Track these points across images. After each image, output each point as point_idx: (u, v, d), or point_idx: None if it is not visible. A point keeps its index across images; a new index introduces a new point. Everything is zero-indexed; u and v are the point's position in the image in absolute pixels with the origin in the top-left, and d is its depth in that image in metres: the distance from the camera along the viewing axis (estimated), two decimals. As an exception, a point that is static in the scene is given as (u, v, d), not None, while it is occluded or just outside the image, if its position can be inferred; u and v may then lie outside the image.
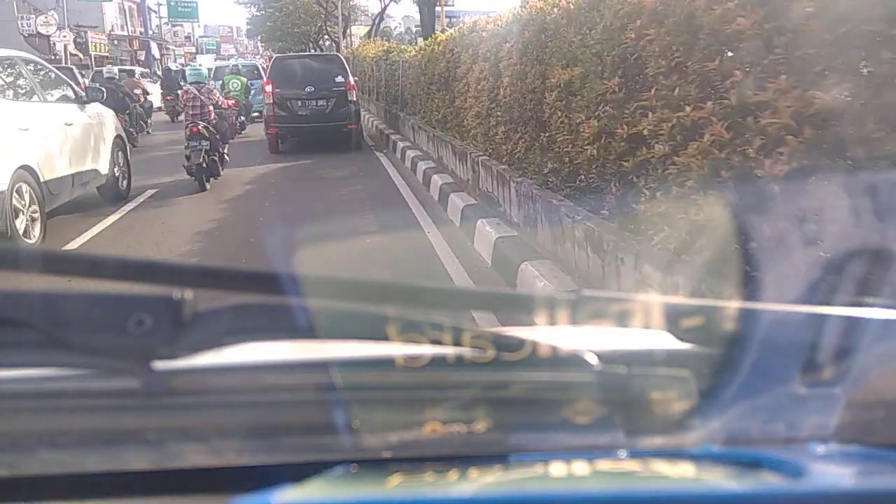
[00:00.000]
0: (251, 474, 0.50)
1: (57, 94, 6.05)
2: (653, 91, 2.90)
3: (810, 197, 2.00)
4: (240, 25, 53.29)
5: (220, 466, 0.51)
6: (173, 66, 22.71)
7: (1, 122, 4.87)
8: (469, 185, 6.21)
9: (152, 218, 6.03)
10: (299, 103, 9.98)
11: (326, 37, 28.87)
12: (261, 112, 12.45)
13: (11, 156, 4.84)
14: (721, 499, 0.46)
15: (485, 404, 0.55)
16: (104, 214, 6.08)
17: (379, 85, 13.92)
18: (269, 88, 10.05)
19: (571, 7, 4.07)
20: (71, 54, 26.84)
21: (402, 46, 14.10)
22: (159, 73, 22.61)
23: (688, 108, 2.59)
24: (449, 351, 0.53)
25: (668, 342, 0.56)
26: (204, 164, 7.06)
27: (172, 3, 40.94)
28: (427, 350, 0.53)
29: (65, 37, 26.24)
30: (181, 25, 49.40)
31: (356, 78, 11.24)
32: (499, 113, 5.53)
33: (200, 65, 12.20)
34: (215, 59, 38.04)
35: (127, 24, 37.65)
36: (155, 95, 17.15)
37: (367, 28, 28.82)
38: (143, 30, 39.24)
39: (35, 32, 25.48)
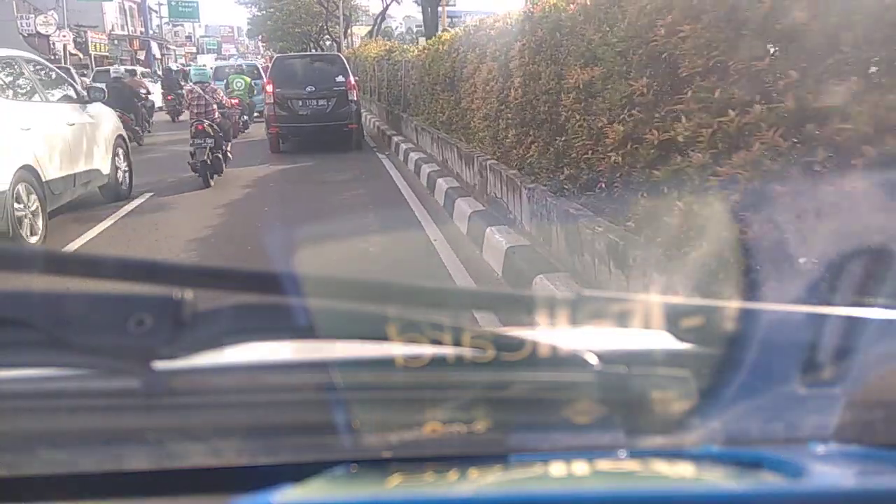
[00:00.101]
0: (251, 474, 0.50)
1: (58, 93, 6.05)
2: (689, 93, 2.63)
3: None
4: (241, 25, 53.32)
5: (220, 466, 0.51)
6: (174, 66, 22.74)
7: (2, 122, 4.88)
8: (476, 189, 5.92)
9: (148, 223, 5.81)
10: (300, 103, 9.99)
11: (327, 37, 28.87)
12: (261, 112, 12.53)
13: (13, 156, 4.84)
14: (721, 499, 0.46)
15: (485, 404, 0.55)
16: (98, 220, 5.88)
17: (381, 85, 13.77)
18: (269, 88, 10.06)
19: (589, 3, 3.84)
20: (71, 54, 26.80)
21: (405, 46, 14.01)
22: (160, 72, 22.62)
23: (731, 113, 2.33)
24: (449, 351, 0.53)
25: (668, 342, 0.56)
26: (208, 161, 7.31)
27: (173, 3, 40.97)
28: (427, 350, 0.53)
29: (64, 36, 26.17)
30: (182, 25, 49.42)
31: (357, 78, 11.24)
32: (509, 115, 5.27)
33: (205, 65, 12.30)
34: (216, 59, 38.07)
35: (127, 24, 37.66)
36: (156, 95, 17.16)
37: (369, 28, 28.83)
38: (143, 29, 39.26)
39: (34, 32, 25.39)
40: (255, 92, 13.83)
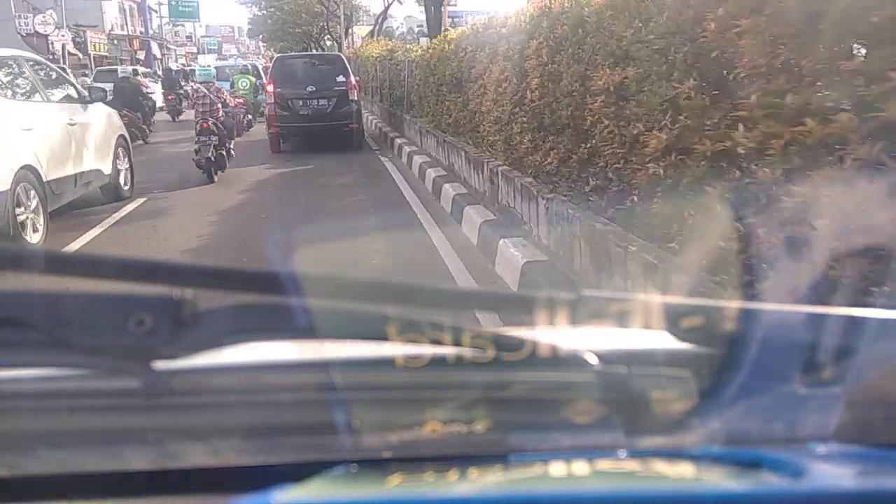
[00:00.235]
0: (251, 474, 0.50)
1: (60, 93, 6.06)
2: (752, 97, 2.26)
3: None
4: (241, 25, 53.36)
5: (220, 466, 0.51)
6: (174, 66, 22.80)
7: (3, 122, 4.88)
8: (486, 197, 5.57)
9: (145, 229, 5.66)
10: (301, 103, 9.99)
11: (328, 37, 28.87)
12: (262, 112, 12.65)
13: (14, 156, 4.84)
14: (721, 499, 0.46)
15: (485, 404, 0.55)
16: (90, 225, 5.71)
17: (382, 86, 13.52)
18: (270, 88, 10.07)
19: (618, -5, 3.44)
20: (70, 54, 26.74)
21: (408, 46, 13.93)
22: (160, 73, 22.67)
23: (810, 122, 1.99)
24: (449, 351, 0.53)
25: (668, 342, 0.56)
26: (212, 158, 7.60)
27: (173, 3, 40.96)
28: (427, 350, 0.53)
29: (63, 36, 26.07)
30: (182, 25, 49.43)
31: (358, 78, 11.24)
32: (524, 119, 4.86)
33: (209, 65, 12.44)
34: (217, 59, 38.09)
35: (127, 24, 37.67)
36: (156, 95, 17.21)
37: (370, 28, 28.82)
38: (143, 29, 39.27)
39: (33, 32, 25.29)
40: (260, 91, 13.90)
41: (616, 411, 0.54)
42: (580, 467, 0.49)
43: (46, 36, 25.52)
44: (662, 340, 0.56)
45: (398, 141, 9.96)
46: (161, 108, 17.07)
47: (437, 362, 0.54)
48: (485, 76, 6.00)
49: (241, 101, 12.31)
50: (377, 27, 25.42)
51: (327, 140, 10.10)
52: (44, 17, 25.51)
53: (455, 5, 27.04)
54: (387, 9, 24.96)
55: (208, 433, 0.53)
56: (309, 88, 10.02)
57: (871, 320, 0.56)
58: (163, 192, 7.20)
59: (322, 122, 10.01)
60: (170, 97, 16.53)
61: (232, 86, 13.19)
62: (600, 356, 0.55)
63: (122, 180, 6.87)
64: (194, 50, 54.45)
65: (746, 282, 2.16)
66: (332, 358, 0.57)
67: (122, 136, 7.05)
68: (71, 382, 0.55)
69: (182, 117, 16.40)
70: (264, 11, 30.60)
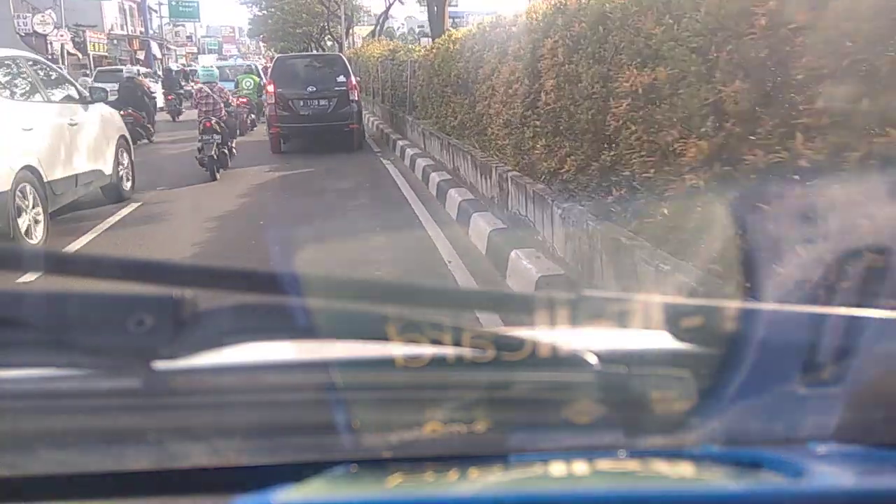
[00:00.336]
0: (251, 474, 0.50)
1: (60, 93, 6.06)
2: (819, 103, 1.99)
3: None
4: (242, 26, 53.40)
5: (220, 466, 0.51)
6: (174, 67, 22.85)
7: (4, 123, 4.88)
8: (495, 203, 5.31)
9: (136, 235, 5.49)
10: (301, 103, 9.99)
11: (329, 37, 28.88)
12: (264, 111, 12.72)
13: (14, 156, 4.85)
14: (721, 499, 0.46)
15: (485, 404, 0.55)
16: (83, 231, 5.54)
17: (384, 86, 13.36)
18: (271, 88, 10.07)
19: (645, -11, 3.13)
20: (69, 53, 26.69)
21: (410, 46, 13.87)
22: (160, 73, 22.73)
23: (894, 132, 1.78)
24: (449, 351, 0.53)
25: (668, 342, 0.56)
26: (215, 156, 7.75)
27: (173, 3, 41.01)
28: (427, 350, 0.53)
29: (62, 36, 25.98)
30: (183, 25, 49.48)
31: (358, 78, 11.24)
32: (537, 122, 4.56)
33: (212, 66, 12.59)
34: (217, 60, 38.12)
35: (127, 24, 37.67)
36: (157, 95, 17.25)
37: (371, 28, 28.83)
38: (143, 29, 39.28)
39: (31, 31, 25.18)
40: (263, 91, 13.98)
41: (616, 411, 0.54)
42: (580, 467, 0.49)
43: (45, 36, 25.43)
44: (662, 340, 0.56)
45: (400, 143, 9.77)
46: (161, 109, 17.11)
47: (437, 362, 0.54)
48: (493, 77, 5.72)
49: (244, 100, 12.48)
50: (378, 27, 25.41)
51: (328, 140, 10.10)
52: (42, 16, 25.41)
53: (456, 5, 27.04)
54: (388, 8, 24.95)
55: (208, 433, 0.53)
56: (309, 89, 10.02)
57: (871, 320, 0.56)
58: (163, 191, 7.21)
59: (322, 122, 10.01)
60: (170, 97, 16.57)
61: (236, 86, 13.42)
62: (600, 356, 0.55)
63: (123, 180, 6.87)
64: (194, 50, 54.49)
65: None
66: (332, 358, 0.57)
67: (122, 136, 7.05)
68: (71, 382, 0.55)
69: (182, 117, 16.43)
70: (265, 12, 30.60)
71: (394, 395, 0.56)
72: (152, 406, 0.54)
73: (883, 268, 1.30)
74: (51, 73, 6.24)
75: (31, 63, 5.86)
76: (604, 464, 0.50)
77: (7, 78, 5.32)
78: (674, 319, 0.55)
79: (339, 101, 10.06)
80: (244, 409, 0.56)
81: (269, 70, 11.42)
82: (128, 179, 7.04)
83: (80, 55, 29.07)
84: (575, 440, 0.53)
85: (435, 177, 6.86)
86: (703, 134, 2.60)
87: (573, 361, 0.55)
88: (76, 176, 5.79)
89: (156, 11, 43.15)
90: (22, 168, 4.87)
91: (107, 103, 7.01)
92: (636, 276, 2.81)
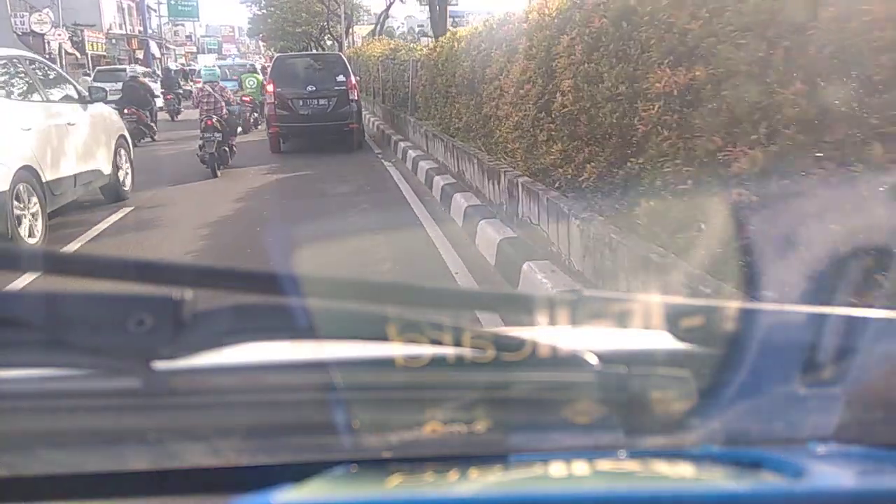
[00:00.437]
0: (251, 474, 0.50)
1: (59, 93, 6.05)
2: None
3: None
4: (242, 25, 53.35)
5: (220, 466, 0.51)
6: (173, 66, 22.85)
7: (2, 123, 4.88)
8: (503, 210, 5.00)
9: (134, 239, 5.40)
10: (301, 102, 9.98)
11: (328, 36, 28.87)
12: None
13: (13, 156, 4.84)
14: (721, 499, 0.47)
15: (485, 404, 0.55)
16: (68, 240, 5.28)
17: (384, 86, 13.08)
18: (270, 88, 10.07)
19: (678, -18, 2.81)
20: (67, 53, 26.58)
21: (412, 45, 13.77)
22: (159, 72, 22.73)
23: None
24: (449, 351, 0.53)
25: (668, 342, 0.56)
26: (215, 154, 7.93)
27: (172, 2, 40.99)
28: (427, 350, 0.53)
29: (59, 35, 25.85)
30: (182, 25, 49.45)
31: (358, 78, 11.23)
32: (552, 126, 4.25)
33: (214, 66, 12.73)
34: (217, 59, 38.12)
35: (126, 23, 37.64)
36: (158, 94, 17.31)
37: (370, 27, 28.82)
38: (141, 28, 39.25)
39: (29, 31, 25.06)
40: None
41: (616, 411, 0.54)
42: (580, 467, 0.49)
43: (43, 35, 25.30)
44: (662, 340, 0.56)
45: (402, 144, 9.56)
46: (160, 108, 17.15)
47: (437, 362, 0.54)
48: (502, 77, 5.41)
49: (248, 99, 12.62)
50: (379, 26, 25.39)
51: (327, 140, 10.08)
52: (40, 15, 25.26)
53: (455, 4, 27.01)
54: (388, 7, 24.93)
55: (208, 433, 0.53)
56: (309, 88, 10.01)
57: (871, 320, 0.56)
58: (161, 191, 7.21)
59: (322, 121, 10.01)
60: (169, 97, 16.59)
61: (240, 85, 13.62)
62: (600, 356, 0.55)
63: (122, 180, 6.86)
64: (194, 49, 54.47)
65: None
66: (332, 358, 0.57)
67: (122, 135, 7.05)
68: (71, 382, 0.55)
69: (181, 117, 16.45)
70: (264, 11, 30.58)
71: (394, 395, 0.56)
72: (152, 406, 0.54)
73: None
74: (49, 72, 6.23)
75: (29, 62, 5.85)
76: (604, 464, 0.50)
77: (5, 77, 5.31)
78: (674, 319, 0.55)
79: (339, 100, 10.05)
80: (244, 409, 0.56)
81: (269, 69, 11.44)
82: (127, 179, 7.03)
83: (78, 54, 29.00)
84: (575, 440, 0.53)
85: (439, 180, 6.62)
86: (754, 142, 2.28)
87: (573, 361, 0.55)
88: (75, 176, 5.79)
89: (155, 11, 43.13)
90: (20, 168, 4.87)
91: (110, 102, 7.02)
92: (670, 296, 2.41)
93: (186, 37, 53.53)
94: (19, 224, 4.81)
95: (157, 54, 40.14)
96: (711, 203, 2.50)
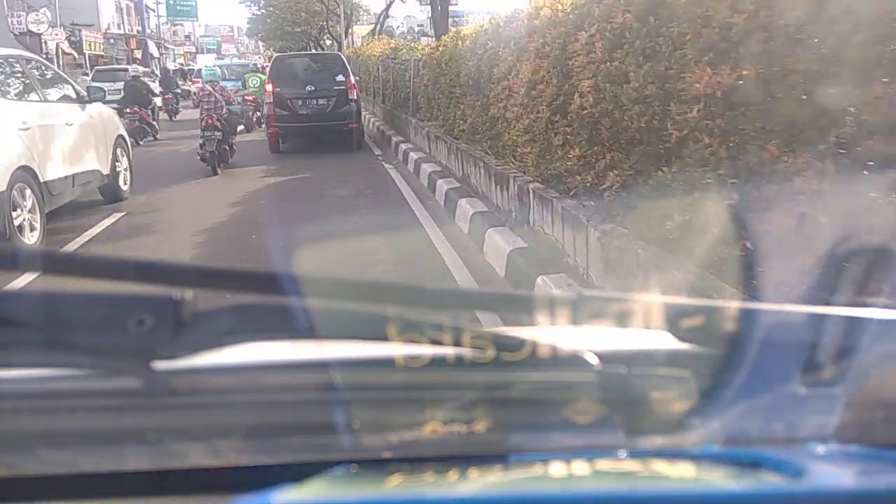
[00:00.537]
0: (251, 474, 0.50)
1: (57, 93, 6.05)
2: None
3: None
4: (241, 25, 53.31)
5: (220, 466, 0.51)
6: (171, 66, 22.87)
7: (0, 122, 4.87)
8: (512, 217, 4.73)
9: (126, 241, 5.30)
10: (300, 102, 9.97)
11: (328, 36, 28.86)
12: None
13: (10, 156, 4.83)
14: (721, 499, 0.47)
15: (485, 404, 0.55)
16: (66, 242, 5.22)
17: (385, 86, 12.85)
18: (269, 88, 10.07)
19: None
20: (64, 53, 26.51)
21: (413, 44, 13.65)
22: (157, 72, 22.75)
23: None
24: (449, 351, 0.53)
25: (668, 342, 0.56)
26: (216, 152, 8.10)
27: (171, 2, 40.98)
28: (427, 350, 0.53)
29: (56, 35, 25.74)
30: (181, 25, 49.46)
31: (357, 78, 11.21)
32: (568, 129, 3.96)
33: (216, 66, 12.86)
34: (216, 59, 38.13)
35: (124, 23, 37.58)
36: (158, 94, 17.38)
37: (370, 27, 28.81)
38: (140, 28, 39.23)
39: (26, 30, 24.90)
40: None
41: (616, 411, 0.54)
42: (580, 467, 0.49)
43: (40, 35, 25.19)
44: (662, 340, 0.56)
45: (403, 146, 9.29)
46: (159, 108, 17.19)
47: (437, 362, 0.54)
48: (510, 77, 5.12)
49: (251, 98, 12.74)
50: (379, 26, 25.38)
51: (326, 140, 10.06)
52: (37, 15, 25.15)
53: (455, 4, 27.01)
54: (388, 6, 24.92)
55: (208, 433, 0.53)
56: (308, 88, 10.01)
57: (871, 320, 0.56)
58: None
59: (321, 121, 10.00)
60: (167, 96, 16.62)
61: (243, 84, 13.86)
62: (600, 356, 0.55)
63: (120, 181, 6.85)
64: (193, 49, 54.47)
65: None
66: (332, 358, 0.57)
67: (120, 136, 7.04)
68: (71, 382, 0.55)
69: (179, 116, 16.47)
70: (263, 10, 30.56)
71: (394, 395, 0.56)
72: (152, 406, 0.54)
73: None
74: (47, 72, 6.22)
75: (27, 62, 5.85)
76: (604, 464, 0.50)
77: (3, 77, 5.31)
78: (674, 319, 0.55)
79: (338, 100, 10.04)
80: (244, 409, 0.56)
81: (268, 69, 11.45)
82: (125, 179, 7.02)
83: (75, 54, 28.91)
84: (575, 440, 0.53)
85: (442, 184, 6.35)
86: (823, 152, 1.99)
87: (573, 361, 0.55)
88: (73, 176, 5.78)
89: (153, 10, 43.11)
90: (18, 168, 4.86)
91: (112, 102, 7.02)
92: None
93: (185, 37, 53.53)
94: (17, 225, 4.81)
95: (156, 54, 40.12)
96: (763, 220, 2.14)
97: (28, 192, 4.98)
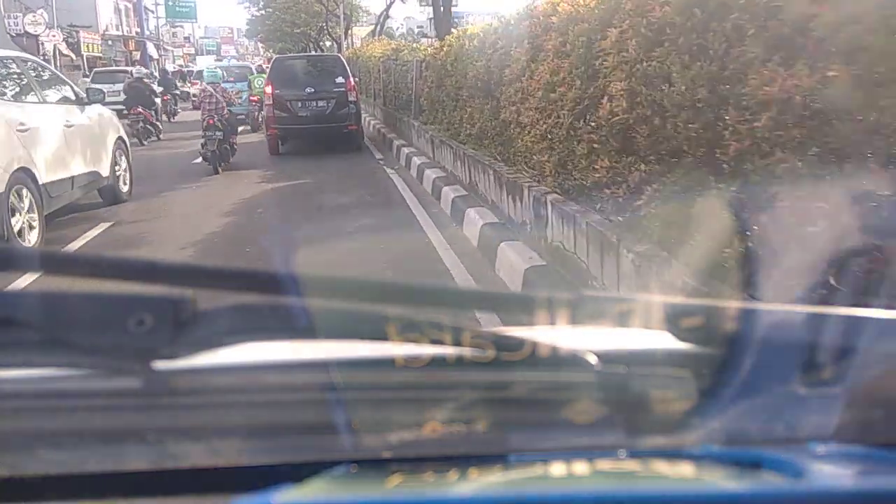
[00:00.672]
0: (251, 474, 0.50)
1: (56, 94, 6.04)
2: None
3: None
4: (240, 27, 53.34)
5: (220, 466, 0.51)
6: (170, 68, 22.89)
7: None
8: (527, 231, 4.40)
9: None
10: (299, 104, 9.97)
11: (327, 37, 28.87)
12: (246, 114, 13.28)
13: (8, 158, 4.82)
14: (721, 499, 0.47)
15: (485, 404, 0.55)
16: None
17: (386, 88, 12.64)
18: (269, 90, 10.07)
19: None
20: (62, 54, 26.43)
21: (415, 45, 13.33)
22: (156, 73, 22.77)
23: None
24: (449, 351, 0.53)
25: (668, 342, 0.56)
26: (217, 152, 8.35)
27: (170, 3, 41.01)
28: (427, 350, 0.53)
29: (54, 36, 25.57)
30: (181, 26, 49.48)
31: (357, 79, 11.21)
32: (594, 137, 3.58)
33: (217, 68, 13.06)
34: (216, 60, 38.17)
35: (122, 24, 37.56)
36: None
37: (370, 28, 28.83)
38: (139, 30, 39.23)
39: (23, 32, 24.75)
40: (246, 95, 14.24)
41: (616, 411, 0.54)
42: (580, 467, 0.49)
43: (37, 36, 25.07)
44: (662, 340, 0.56)
45: (405, 150, 9.00)
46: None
47: (437, 362, 0.54)
48: (524, 78, 4.78)
49: (255, 98, 12.89)
50: (379, 26, 25.37)
51: (326, 142, 10.04)
52: (34, 16, 25.02)
53: (456, 5, 27.03)
54: (388, 7, 24.93)
55: (208, 433, 0.53)
56: (308, 90, 10.01)
57: (871, 320, 0.56)
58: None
59: (321, 123, 10.00)
60: (166, 97, 16.66)
61: (249, 85, 13.98)
62: (600, 356, 0.55)
63: (120, 183, 6.85)
64: (192, 51, 54.50)
65: None
66: (332, 358, 0.57)
67: (120, 138, 7.03)
68: (71, 382, 0.55)
69: (177, 118, 16.50)
70: (263, 12, 30.57)
71: (394, 395, 0.56)
72: (152, 406, 0.54)
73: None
74: (46, 73, 6.22)
75: (26, 63, 5.85)
76: (604, 464, 0.50)
77: (1, 78, 5.30)
78: (674, 319, 0.55)
79: (338, 102, 10.04)
80: (244, 409, 0.56)
81: (268, 71, 11.47)
82: (125, 181, 7.01)
83: (73, 56, 28.84)
84: (575, 440, 0.53)
85: (448, 192, 6.06)
86: None
87: (573, 361, 0.55)
88: (72, 178, 5.77)
89: (152, 12, 43.11)
90: (16, 170, 4.86)
91: (112, 103, 7.01)
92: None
93: (185, 38, 53.54)
94: (15, 227, 4.80)
95: (155, 56, 40.13)
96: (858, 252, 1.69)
97: (27, 194, 4.98)
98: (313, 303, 0.53)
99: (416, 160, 8.05)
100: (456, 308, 0.56)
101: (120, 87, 14.33)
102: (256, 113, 12.96)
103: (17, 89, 5.46)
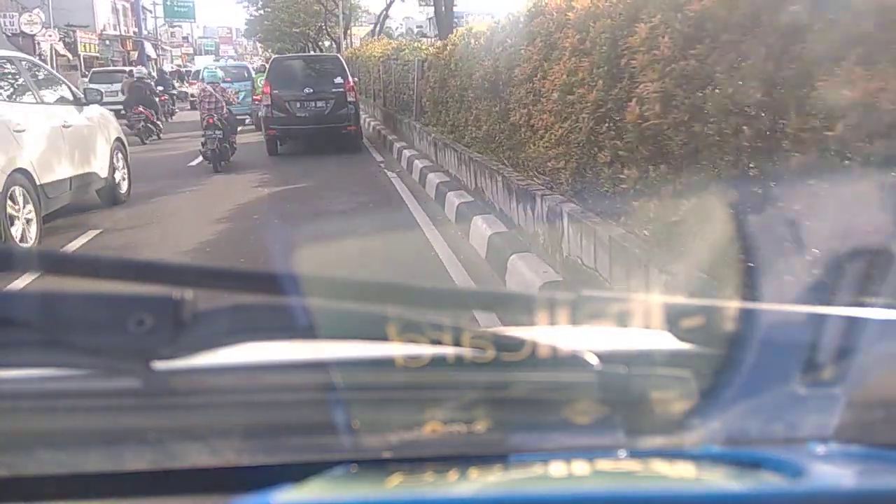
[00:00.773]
0: (251, 474, 0.50)
1: (53, 95, 6.03)
2: None
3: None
4: (239, 27, 53.30)
5: (220, 466, 0.51)
6: (168, 68, 22.89)
7: None
8: (539, 243, 4.12)
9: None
10: (298, 105, 9.94)
11: (326, 37, 28.86)
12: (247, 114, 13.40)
13: (6, 159, 4.81)
14: (721, 499, 0.47)
15: (485, 404, 0.55)
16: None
17: (386, 88, 12.42)
18: (267, 90, 10.05)
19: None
20: (59, 54, 26.29)
21: (416, 44, 13.13)
22: (154, 73, 22.76)
23: None
24: (449, 351, 0.53)
25: (668, 342, 0.56)
26: (217, 150, 8.46)
27: (168, 3, 40.96)
28: (427, 350, 0.53)
29: (50, 36, 25.38)
30: (179, 26, 49.44)
31: (356, 79, 11.19)
32: (619, 143, 3.28)
33: (217, 68, 13.12)
34: (214, 60, 38.16)
35: (120, 24, 37.49)
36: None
37: (369, 27, 28.83)
38: (136, 29, 39.19)
39: (19, 31, 24.54)
40: (244, 95, 14.37)
41: (616, 411, 0.55)
42: (580, 467, 0.49)
43: (33, 36, 24.89)
44: (662, 340, 0.56)
45: (406, 152, 8.70)
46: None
47: (437, 362, 0.54)
48: (536, 79, 4.50)
49: (258, 98, 12.98)
50: (378, 26, 25.36)
51: (325, 143, 9.99)
52: (30, 16, 24.81)
53: (456, 5, 27.04)
54: (388, 7, 24.92)
55: (208, 433, 0.53)
56: (306, 90, 9.98)
57: (871, 320, 0.57)
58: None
59: (319, 124, 9.96)
60: (163, 97, 16.67)
61: (253, 86, 14.21)
62: (600, 356, 0.55)
63: (118, 183, 6.83)
64: (190, 51, 54.48)
65: None
66: (332, 358, 0.57)
67: (118, 138, 7.01)
68: (71, 382, 0.55)
69: (175, 118, 16.50)
70: (261, 11, 30.54)
71: (394, 395, 0.56)
72: (152, 406, 0.54)
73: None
74: (43, 73, 6.20)
75: (23, 63, 5.83)
76: (604, 464, 0.50)
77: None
78: (674, 319, 0.55)
79: (337, 102, 10.01)
80: (244, 409, 0.56)
81: (266, 71, 11.46)
82: (124, 182, 7.00)
83: (70, 56, 28.71)
84: (575, 440, 0.53)
85: (452, 198, 5.78)
86: None
87: (573, 361, 0.55)
88: (70, 179, 5.75)
89: (150, 12, 43.06)
90: (14, 171, 4.84)
91: (111, 103, 7.00)
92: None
93: (183, 38, 53.51)
94: (13, 227, 4.79)
95: (153, 55, 40.09)
96: None
97: (24, 195, 4.96)
98: (313, 303, 0.53)
99: (418, 163, 7.72)
100: (456, 308, 0.56)
101: (118, 87, 14.44)
102: (259, 113, 13.18)
103: (14, 90, 5.45)
